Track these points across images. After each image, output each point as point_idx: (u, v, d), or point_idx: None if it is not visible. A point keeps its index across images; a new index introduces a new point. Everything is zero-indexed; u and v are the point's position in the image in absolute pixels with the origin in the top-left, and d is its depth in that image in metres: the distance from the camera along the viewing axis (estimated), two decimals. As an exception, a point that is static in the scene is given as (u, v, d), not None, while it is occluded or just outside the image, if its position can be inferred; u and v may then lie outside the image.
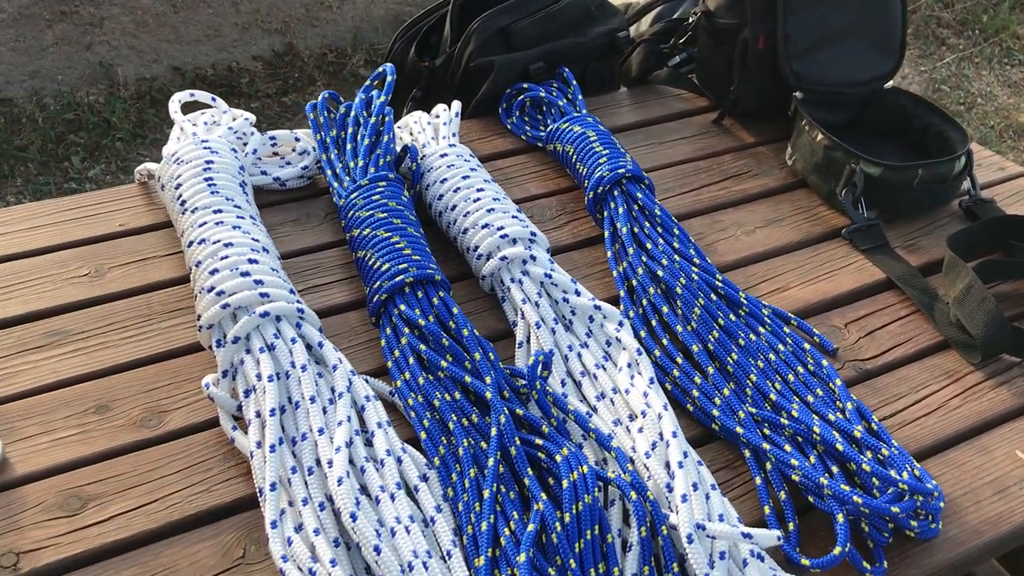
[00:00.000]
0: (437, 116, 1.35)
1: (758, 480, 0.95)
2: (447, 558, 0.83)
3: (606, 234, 1.21)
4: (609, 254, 1.19)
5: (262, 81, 3.17)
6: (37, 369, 1.01)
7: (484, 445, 0.92)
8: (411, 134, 1.33)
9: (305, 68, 3.26)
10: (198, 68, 3.12)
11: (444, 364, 0.98)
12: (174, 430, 0.96)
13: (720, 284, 1.15)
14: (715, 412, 1.00)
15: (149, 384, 1.01)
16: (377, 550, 0.80)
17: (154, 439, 0.95)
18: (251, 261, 1.01)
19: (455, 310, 1.04)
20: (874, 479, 0.92)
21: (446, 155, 1.23)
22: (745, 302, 1.13)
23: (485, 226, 1.13)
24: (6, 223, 1.20)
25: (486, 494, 0.87)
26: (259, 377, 0.94)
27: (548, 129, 1.38)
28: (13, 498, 0.88)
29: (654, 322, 1.11)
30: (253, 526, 0.88)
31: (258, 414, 0.92)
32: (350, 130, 1.27)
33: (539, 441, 0.92)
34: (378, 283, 1.06)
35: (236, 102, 3.04)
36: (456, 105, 1.35)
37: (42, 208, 1.23)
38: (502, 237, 1.12)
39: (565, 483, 0.87)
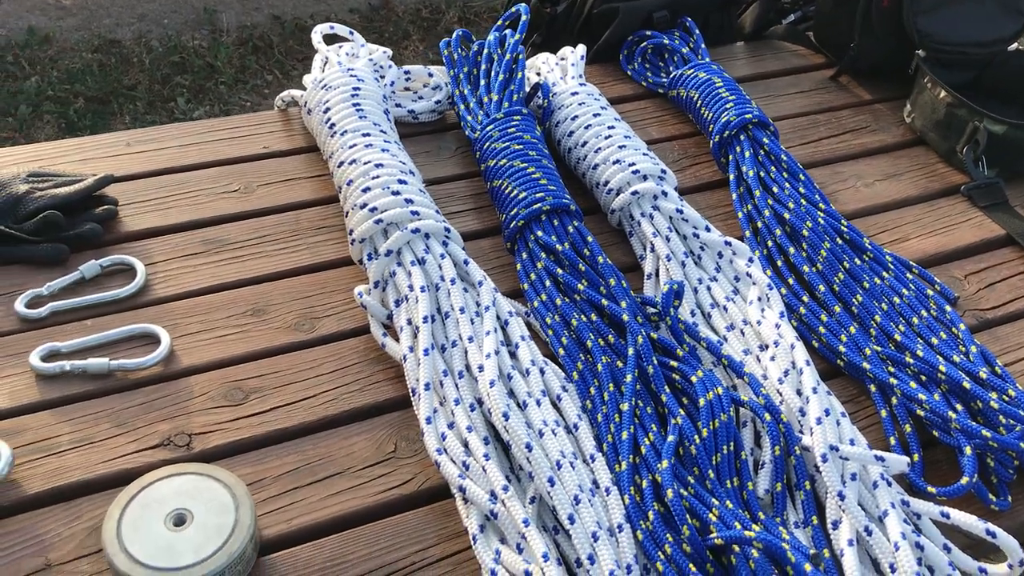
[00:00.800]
0: (564, 58, 1.38)
1: (883, 413, 0.98)
2: (590, 461, 0.87)
3: (731, 177, 1.24)
4: (734, 196, 1.22)
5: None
6: (197, 273, 1.08)
7: (621, 364, 0.97)
8: (538, 74, 1.37)
9: (400, 23, 3.31)
10: (297, 18, 3.19)
11: (581, 287, 1.03)
12: (326, 335, 1.02)
13: (845, 229, 1.17)
14: (841, 348, 1.03)
15: (300, 292, 1.07)
16: (528, 447, 0.85)
17: (307, 342, 1.02)
18: (400, 182, 1.07)
19: (589, 238, 1.08)
20: (1001, 417, 0.94)
21: (577, 93, 1.27)
22: (870, 247, 1.15)
23: (616, 162, 1.17)
24: (159, 140, 1.26)
25: (625, 407, 0.91)
26: (411, 288, 0.99)
27: (671, 75, 1.41)
28: (181, 387, 0.95)
29: (779, 262, 1.14)
30: (403, 425, 0.94)
31: (409, 322, 0.98)
32: (483, 67, 1.31)
33: (674, 363, 0.96)
34: (515, 210, 1.10)
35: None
36: (581, 48, 1.39)
37: (191, 128, 1.29)
38: (633, 173, 1.15)
39: (701, 402, 0.91)
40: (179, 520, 0.80)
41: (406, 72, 1.35)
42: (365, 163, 1.09)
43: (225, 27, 3.07)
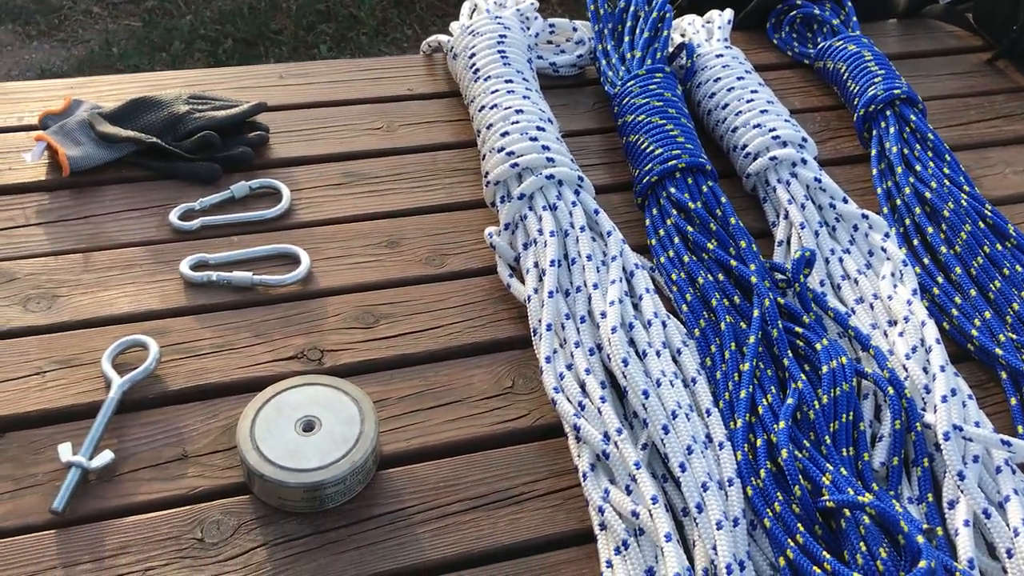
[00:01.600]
0: (710, 20, 1.37)
1: (1013, 401, 0.95)
2: (705, 415, 0.88)
3: (872, 152, 1.21)
4: (874, 172, 1.19)
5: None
6: (338, 202, 1.13)
7: (744, 325, 0.97)
8: (683, 35, 1.36)
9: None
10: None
11: (710, 246, 1.03)
12: (454, 271, 1.06)
13: (989, 213, 1.13)
14: (973, 332, 1.00)
15: (433, 229, 1.10)
16: (645, 394, 0.86)
17: (437, 276, 1.05)
18: (539, 128, 1.08)
19: (723, 199, 1.08)
20: None
21: (722, 55, 1.26)
22: (1014, 234, 1.11)
23: (756, 126, 1.16)
24: (310, 75, 1.32)
25: (745, 367, 0.91)
26: (540, 232, 1.01)
27: (819, 47, 1.38)
28: (317, 306, 1.00)
29: (916, 242, 1.11)
30: (522, 363, 0.96)
31: (536, 264, 1.00)
32: (629, 23, 1.31)
33: (799, 329, 0.96)
34: (649, 165, 1.11)
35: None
36: (729, 12, 1.37)
37: (341, 66, 1.34)
38: (773, 138, 1.14)
39: (824, 369, 0.90)
40: (308, 426, 0.84)
41: (551, 25, 1.36)
42: (506, 108, 1.11)
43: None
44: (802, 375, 0.90)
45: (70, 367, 0.91)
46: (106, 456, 0.83)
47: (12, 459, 0.84)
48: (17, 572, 0.76)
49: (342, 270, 1.04)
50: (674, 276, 1.02)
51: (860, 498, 0.78)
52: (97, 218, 1.07)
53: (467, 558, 0.81)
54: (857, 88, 1.27)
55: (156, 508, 0.82)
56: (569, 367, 0.91)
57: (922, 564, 0.73)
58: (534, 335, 0.95)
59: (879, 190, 1.17)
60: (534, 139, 1.07)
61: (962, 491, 0.83)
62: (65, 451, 0.83)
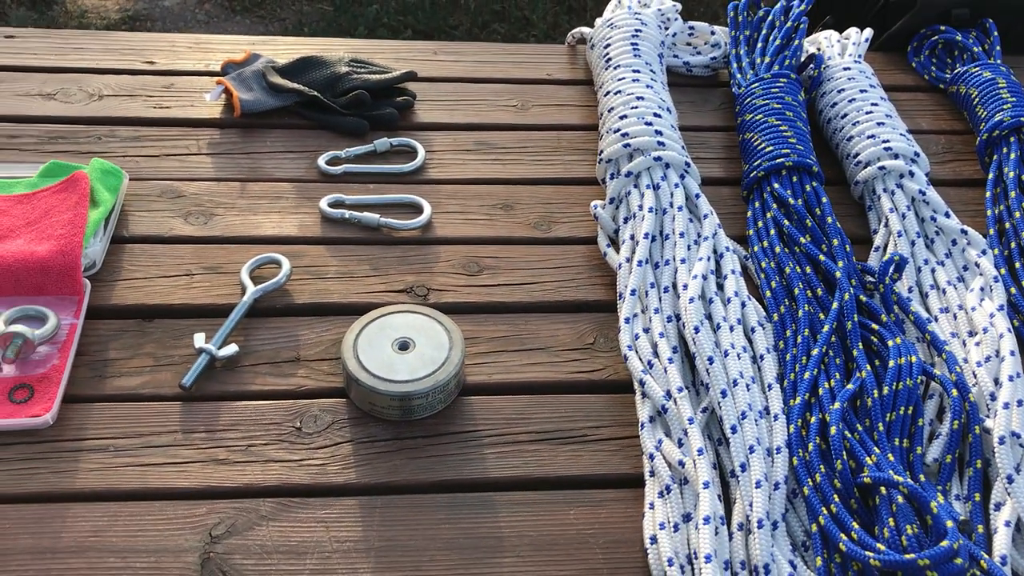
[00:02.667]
0: (847, 37, 1.40)
1: (1087, 426, 0.95)
2: (767, 389, 0.93)
3: (990, 176, 1.22)
4: (988, 195, 1.20)
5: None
6: (465, 165, 1.24)
7: (822, 316, 1.01)
8: (818, 48, 1.40)
9: None
10: (615, -14, 3.34)
11: (803, 240, 1.07)
12: (559, 237, 1.15)
13: (1100, 246, 1.12)
14: (1059, 355, 1.00)
15: (545, 199, 1.20)
16: (710, 360, 0.92)
17: (542, 239, 1.14)
18: (655, 115, 1.16)
19: (824, 199, 1.12)
20: None
21: (849, 68, 1.29)
22: (1123, 269, 1.10)
23: (871, 136, 1.19)
24: (461, 53, 1.44)
25: (814, 352, 0.96)
26: (640, 208, 1.08)
27: (955, 72, 1.39)
28: (430, 251, 1.11)
29: (1018, 265, 1.11)
30: (605, 324, 1.04)
31: (632, 237, 1.07)
32: (764, 31, 1.37)
33: (875, 326, 0.99)
34: (758, 161, 1.16)
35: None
36: (868, 31, 1.40)
37: (489, 48, 1.46)
38: (885, 149, 1.17)
39: (891, 363, 0.94)
40: (403, 346, 0.95)
41: (691, 27, 1.43)
42: (628, 94, 1.19)
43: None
44: (868, 366, 0.94)
45: (215, 273, 1.06)
46: (232, 348, 0.97)
47: (156, 341, 0.98)
48: (145, 429, 0.90)
49: (458, 224, 1.15)
50: (764, 264, 1.07)
51: (896, 476, 0.82)
52: (257, 155, 1.22)
53: (525, 481, 0.90)
54: (985, 113, 1.28)
55: (266, 398, 0.95)
56: (646, 331, 0.99)
57: (943, 544, 0.76)
58: (619, 299, 1.03)
59: (989, 212, 1.18)
60: (649, 124, 1.14)
61: (1009, 494, 0.85)
62: (199, 339, 0.97)
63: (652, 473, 0.88)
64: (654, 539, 0.83)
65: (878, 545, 0.79)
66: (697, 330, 0.95)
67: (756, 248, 1.10)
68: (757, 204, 1.15)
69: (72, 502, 0.85)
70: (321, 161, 1.20)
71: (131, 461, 0.88)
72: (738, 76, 1.33)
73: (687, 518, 0.84)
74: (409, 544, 0.84)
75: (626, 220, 1.10)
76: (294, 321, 1.02)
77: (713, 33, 1.44)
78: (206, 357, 0.95)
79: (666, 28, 1.39)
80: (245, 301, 1.01)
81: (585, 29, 1.43)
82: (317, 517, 0.85)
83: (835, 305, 1.00)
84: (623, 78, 1.22)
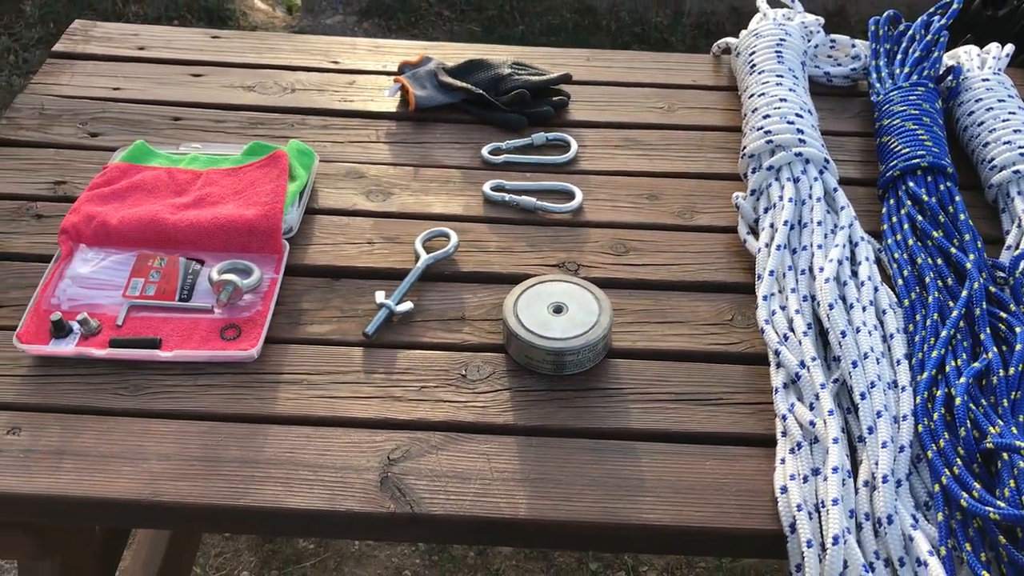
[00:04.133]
0: (987, 51, 1.45)
1: None
2: (895, 364, 1.00)
3: None
4: (1126, 201, 1.23)
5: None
6: (613, 159, 1.34)
7: (951, 304, 1.07)
8: (958, 61, 1.45)
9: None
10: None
11: (935, 235, 1.13)
12: (700, 225, 1.24)
13: None
14: None
15: (688, 191, 1.29)
16: (843, 334, 1.00)
17: (684, 226, 1.24)
18: (797, 115, 1.24)
19: (956, 198, 1.18)
20: None
21: (988, 80, 1.34)
22: None
23: (1007, 142, 1.24)
24: (612, 61, 1.55)
25: (943, 334, 1.02)
26: (780, 198, 1.17)
27: (1099, 86, 1.42)
28: (581, 233, 1.22)
29: None
30: (742, 304, 1.12)
31: (771, 224, 1.16)
32: (904, 44, 1.43)
33: (1003, 314, 1.05)
34: (894, 161, 1.23)
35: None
36: (1010, 47, 1.44)
37: (639, 56, 1.57)
38: (1020, 155, 1.22)
39: (1018, 347, 0.99)
40: (557, 309, 1.06)
41: (832, 40, 1.51)
42: (771, 96, 1.28)
43: (687, 10, 3.37)
44: (995, 348, 1.00)
45: (392, 243, 1.19)
46: (407, 305, 1.10)
47: (342, 296, 1.12)
48: (333, 368, 1.04)
49: (606, 210, 1.25)
50: (896, 255, 1.14)
51: (1018, 442, 0.88)
52: (428, 144, 1.36)
53: (664, 434, 0.99)
54: None
55: (435, 349, 1.07)
56: (782, 308, 1.07)
57: (1062, 503, 0.82)
58: (758, 280, 1.11)
59: None
60: (791, 123, 1.22)
61: None
62: (380, 296, 1.10)
63: (784, 433, 0.96)
64: (784, 489, 0.91)
65: (998, 503, 0.85)
66: (832, 307, 1.02)
67: (890, 241, 1.16)
68: (892, 201, 1.21)
69: (272, 424, 0.99)
70: (484, 151, 1.33)
71: (321, 393, 1.01)
72: (877, 85, 1.40)
73: (816, 472, 0.91)
74: (560, 478, 0.94)
75: (766, 210, 1.18)
76: (459, 286, 1.14)
77: (853, 46, 1.50)
78: (386, 311, 1.09)
79: (808, 40, 1.47)
80: (419, 267, 1.14)
81: (730, 39, 1.52)
82: (480, 450, 0.97)
83: (964, 293, 1.06)
84: (767, 82, 1.31)
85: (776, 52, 1.36)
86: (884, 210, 1.21)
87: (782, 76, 1.32)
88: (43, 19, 3.11)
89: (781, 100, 1.26)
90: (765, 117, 1.25)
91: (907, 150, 1.23)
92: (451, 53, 1.52)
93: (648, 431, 0.99)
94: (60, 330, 1.05)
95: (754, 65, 1.36)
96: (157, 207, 1.17)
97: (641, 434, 0.99)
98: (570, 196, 1.27)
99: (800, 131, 1.21)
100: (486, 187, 1.27)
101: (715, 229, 1.23)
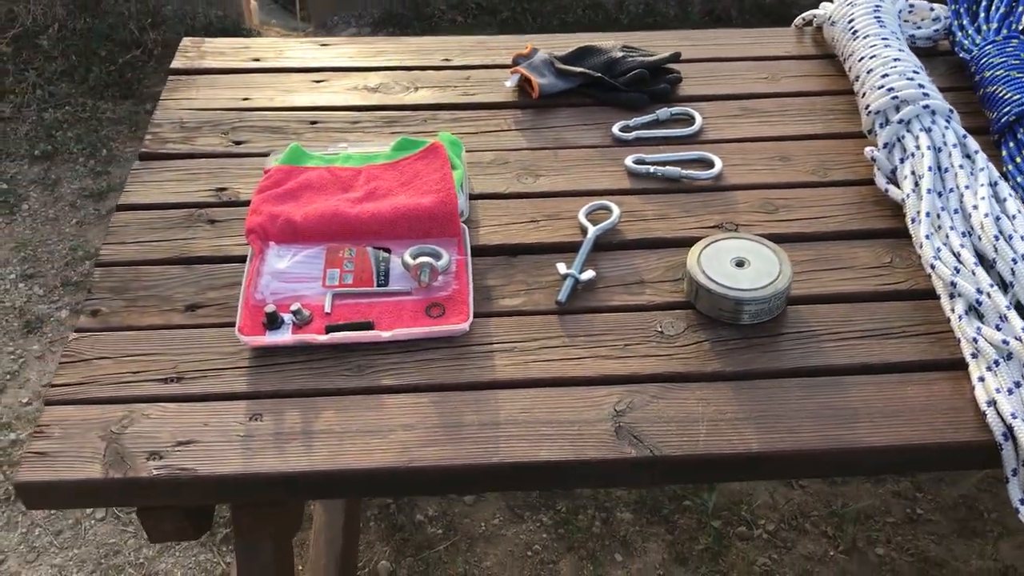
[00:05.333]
0: (1060, 4, 1.55)
1: None
2: (1062, 285, 1.09)
3: None
4: None
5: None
6: (736, 128, 1.42)
7: (1094, 229, 1.16)
8: (1034, 15, 1.55)
9: None
10: (759, 2, 3.52)
11: (1063, 169, 1.23)
12: (835, 180, 1.32)
13: None
14: None
15: (816, 151, 1.37)
16: (1015, 261, 1.08)
17: (822, 183, 1.32)
18: (915, 72, 1.33)
19: (1076, 135, 1.27)
20: None
21: (1074, 27, 1.45)
22: None
23: (1107, 82, 1.34)
24: (711, 39, 1.63)
25: (1097, 255, 1.11)
26: (917, 147, 1.25)
27: None
28: (728, 196, 1.29)
29: None
30: (897, 247, 1.21)
31: (913, 172, 1.24)
32: (984, 2, 1.53)
33: None
34: (1007, 108, 1.32)
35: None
36: (1078, -2, 1.55)
37: (725, 34, 1.65)
38: (1123, 92, 1.32)
39: None
40: (739, 263, 1.13)
41: (911, 5, 1.60)
42: (884, 57, 1.36)
43: (692, -1, 3.48)
44: None
45: (554, 219, 1.26)
46: (590, 273, 1.16)
47: (523, 271, 1.19)
48: (539, 335, 1.10)
49: (745, 173, 1.33)
50: (1019, 180, 1.23)
51: None
52: (558, 128, 1.43)
53: (862, 367, 1.07)
54: None
55: (626, 311, 1.14)
56: (944, 245, 1.15)
57: None
58: (912, 223, 1.20)
59: None
60: (911, 79, 1.31)
61: None
62: (562, 267, 1.17)
63: (975, 355, 1.05)
64: (991, 402, 0.99)
65: None
66: (997, 238, 1.11)
67: (1019, 179, 1.25)
68: (1012, 144, 1.30)
69: (498, 389, 1.05)
70: (615, 129, 1.40)
71: (535, 358, 1.08)
72: (965, 43, 1.49)
73: (1018, 384, 1.00)
74: (780, 414, 1.02)
75: (902, 160, 1.27)
76: (630, 253, 1.21)
77: (932, 9, 1.60)
78: (572, 280, 1.15)
79: (894, 4, 1.56)
80: (590, 238, 1.21)
81: (816, 12, 1.61)
82: (697, 396, 1.04)
83: (1108, 218, 1.15)
84: (875, 44, 1.40)
85: (876, 18, 1.45)
86: (1004, 153, 1.31)
87: (887, 38, 1.41)
88: (64, 53, 3.12)
89: (895, 60, 1.35)
90: (884, 76, 1.33)
91: (1018, 96, 1.32)
92: (559, 44, 1.58)
93: (847, 365, 1.07)
94: (273, 322, 1.10)
95: (856, 31, 1.45)
96: (333, 202, 1.22)
97: (841, 369, 1.07)
98: (708, 164, 1.34)
99: (921, 85, 1.30)
100: (628, 161, 1.34)
101: (850, 183, 1.32)
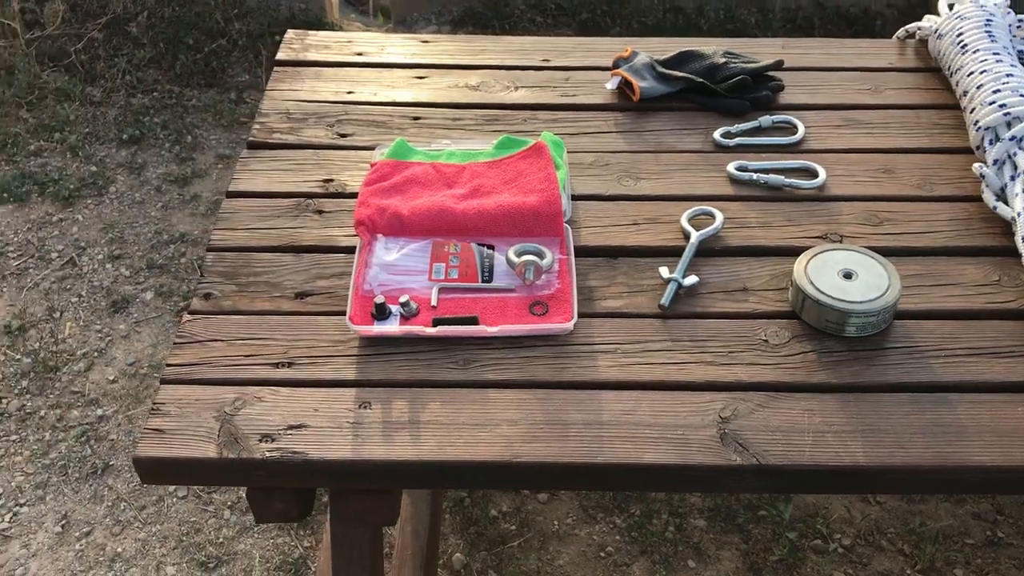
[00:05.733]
0: None
1: None
2: None
3: None
4: None
5: (891, 26, 3.43)
6: (839, 138, 1.41)
7: None
8: None
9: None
10: (839, 6, 3.47)
11: None
12: (942, 195, 1.30)
13: None
14: None
15: (921, 165, 1.36)
16: None
17: (928, 197, 1.30)
18: (1028, 88, 1.31)
19: None
20: None
21: None
22: None
23: None
24: (808, 48, 1.62)
25: None
26: (1030, 165, 1.24)
27: None
28: (832, 207, 1.28)
29: None
30: (1006, 266, 1.19)
31: (1023, 191, 1.22)
32: (1099, 19, 1.50)
33: None
34: (1124, 129, 1.29)
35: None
36: None
37: (828, 43, 1.64)
38: None
39: None
40: (847, 275, 1.12)
41: (1020, 19, 1.57)
42: (996, 73, 1.34)
43: (775, 7, 3.44)
44: None
45: (655, 223, 1.26)
46: (693, 279, 1.16)
47: (624, 274, 1.19)
48: (641, 337, 1.10)
49: (849, 185, 1.32)
50: None
51: None
52: (658, 132, 1.43)
53: (971, 385, 1.05)
54: None
55: (729, 317, 1.14)
56: (1056, 265, 1.13)
57: None
58: (1022, 242, 1.18)
59: None
60: (1023, 96, 1.29)
61: None
62: (664, 271, 1.17)
63: (1090, 378, 1.03)
64: (1108, 427, 0.97)
65: None
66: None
67: None
68: None
69: (601, 389, 1.05)
70: (716, 135, 1.40)
71: (638, 361, 1.08)
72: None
73: None
74: (887, 428, 1.01)
75: (1012, 178, 1.25)
76: (732, 260, 1.21)
77: (1042, 23, 1.57)
78: (675, 284, 1.15)
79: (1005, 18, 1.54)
80: (693, 243, 1.21)
81: (922, 23, 1.59)
82: (802, 407, 1.03)
83: None
84: (985, 59, 1.38)
85: (986, 32, 1.43)
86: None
87: (998, 54, 1.38)
88: (152, 40, 3.20)
89: (1008, 75, 1.33)
90: (995, 92, 1.31)
91: None
92: (656, 48, 1.58)
93: (955, 383, 1.06)
94: (382, 313, 1.11)
95: (965, 45, 1.43)
96: (438, 198, 1.24)
97: (950, 386, 1.05)
98: (811, 173, 1.34)
99: (1035, 102, 1.28)
100: (731, 167, 1.33)
101: (956, 198, 1.30)
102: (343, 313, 1.12)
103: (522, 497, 1.89)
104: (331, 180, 1.33)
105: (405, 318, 1.12)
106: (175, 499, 1.89)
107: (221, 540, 1.82)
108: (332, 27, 3.42)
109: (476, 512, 1.85)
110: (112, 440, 2.01)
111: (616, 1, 3.44)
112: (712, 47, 1.54)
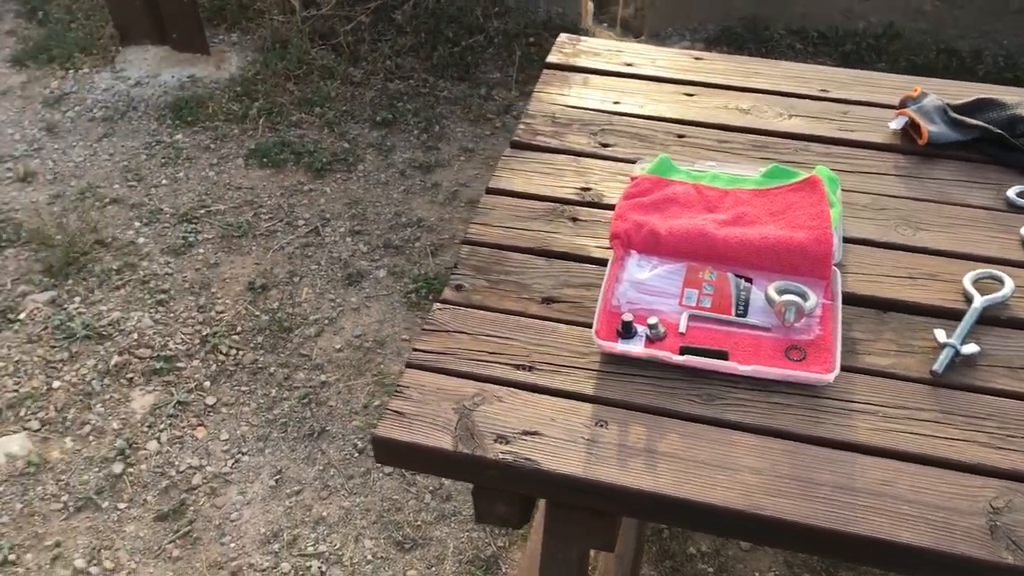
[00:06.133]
0: None
1: None
2: None
3: None
4: None
5: None
6: None
7: None
8: None
9: None
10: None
11: None
12: None
13: None
14: None
15: None
16: None
17: None
18: None
19: None
20: None
21: None
22: None
23: None
24: None
25: None
26: None
27: None
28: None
29: None
30: None
31: None
32: None
33: None
34: None
35: None
36: None
37: None
38: None
39: None
40: None
41: None
42: None
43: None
44: None
45: (933, 279, 1.16)
46: (973, 347, 1.05)
47: (894, 330, 1.10)
48: (906, 403, 1.01)
49: None
50: None
51: None
52: (943, 181, 1.32)
53: None
54: None
55: (1011, 397, 1.02)
56: None
57: None
58: None
59: None
60: None
61: None
62: (940, 335, 1.07)
63: None
64: None
65: None
66: None
67: None
68: None
69: (857, 452, 0.97)
70: (1011, 193, 1.27)
71: (901, 428, 0.99)
72: None
73: None
74: None
75: None
76: (1021, 334, 1.09)
77: None
78: (952, 350, 1.05)
79: None
80: (976, 308, 1.10)
81: None
82: (1091, 512, 0.91)
83: None
84: None
85: None
86: None
87: None
88: (414, 29, 3.33)
89: None
90: None
91: None
92: (952, 92, 1.46)
93: None
94: (628, 331, 1.08)
95: None
96: (699, 221, 1.19)
97: None
98: (1122, 250, 1.19)
99: None
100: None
101: None
102: (588, 324, 1.10)
103: (723, 540, 1.81)
104: (588, 189, 1.31)
105: (651, 341, 1.08)
106: (381, 474, 1.94)
107: (419, 523, 1.85)
108: (587, 34, 3.43)
109: (674, 546, 1.78)
110: (331, 407, 2.09)
111: (884, 36, 3.25)
112: (1016, 97, 1.41)
